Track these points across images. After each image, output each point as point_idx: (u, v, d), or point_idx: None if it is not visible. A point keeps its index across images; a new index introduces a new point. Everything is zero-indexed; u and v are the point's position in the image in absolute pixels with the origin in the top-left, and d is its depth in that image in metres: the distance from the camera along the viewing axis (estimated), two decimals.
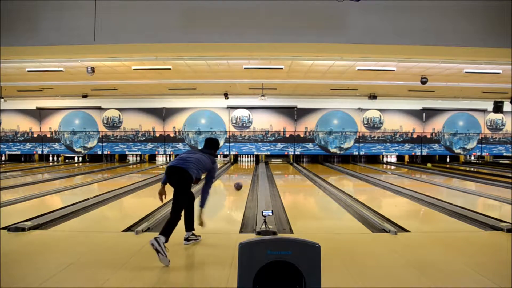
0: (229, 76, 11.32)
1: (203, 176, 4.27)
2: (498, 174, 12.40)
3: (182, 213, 3.99)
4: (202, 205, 4.18)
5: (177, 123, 16.69)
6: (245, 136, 16.67)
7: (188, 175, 3.91)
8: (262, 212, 4.45)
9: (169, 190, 4.01)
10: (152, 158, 17.73)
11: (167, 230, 3.65)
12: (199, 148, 17.06)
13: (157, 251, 3.41)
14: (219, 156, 17.38)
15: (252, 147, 16.70)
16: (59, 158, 17.78)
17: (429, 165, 15.61)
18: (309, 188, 9.26)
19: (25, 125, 17.03)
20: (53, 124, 16.98)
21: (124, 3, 6.46)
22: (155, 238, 3.47)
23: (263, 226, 4.43)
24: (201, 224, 4.21)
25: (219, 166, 14.98)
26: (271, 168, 14.15)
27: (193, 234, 4.22)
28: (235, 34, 6.45)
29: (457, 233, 4.88)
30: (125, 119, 16.82)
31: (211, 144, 4.42)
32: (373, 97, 15.94)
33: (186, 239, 4.15)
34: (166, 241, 3.54)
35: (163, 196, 4.09)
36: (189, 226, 4.20)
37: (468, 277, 3.26)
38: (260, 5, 6.34)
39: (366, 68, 9.95)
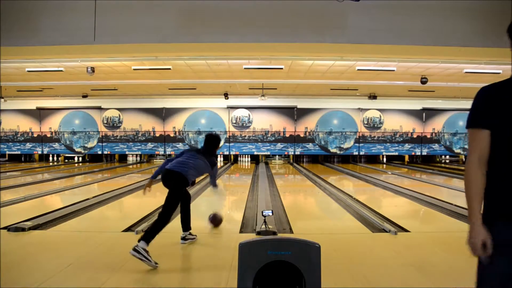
0: (229, 76, 11.32)
1: (197, 180, 4.28)
2: None
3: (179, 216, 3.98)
4: (214, 184, 4.27)
5: (177, 123, 16.68)
6: (245, 136, 16.67)
7: (185, 180, 3.88)
8: (262, 212, 4.45)
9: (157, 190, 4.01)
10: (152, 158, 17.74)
11: (150, 234, 3.43)
12: (199, 147, 16.94)
13: (142, 260, 3.26)
14: (219, 156, 17.36)
15: (252, 147, 16.69)
16: (59, 158, 17.77)
17: None
18: (309, 188, 9.26)
19: (25, 125, 17.02)
20: (53, 124, 16.98)
21: (124, 3, 6.46)
22: (134, 249, 3.27)
23: (263, 226, 4.43)
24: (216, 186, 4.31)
25: (219, 166, 14.97)
26: (271, 168, 14.15)
27: (190, 234, 4.21)
28: (235, 34, 6.45)
29: (457, 233, 4.86)
30: (125, 119, 16.81)
31: (211, 142, 4.23)
32: (373, 97, 15.94)
33: (183, 238, 4.15)
34: (147, 244, 3.36)
35: (148, 190, 4.08)
36: (186, 226, 4.18)
37: (468, 277, 3.24)
38: (260, 5, 6.34)
39: (366, 68, 9.94)
